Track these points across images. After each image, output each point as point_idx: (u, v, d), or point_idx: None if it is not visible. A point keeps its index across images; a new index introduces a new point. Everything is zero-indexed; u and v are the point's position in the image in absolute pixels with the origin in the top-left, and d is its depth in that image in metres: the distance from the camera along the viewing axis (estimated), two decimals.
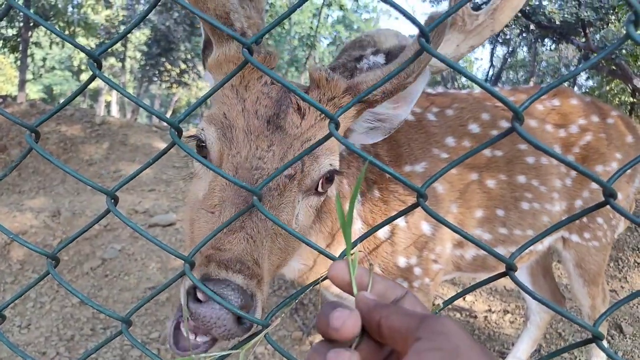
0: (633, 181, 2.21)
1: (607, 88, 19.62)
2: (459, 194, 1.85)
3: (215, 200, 1.06)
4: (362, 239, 0.84)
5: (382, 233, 1.72)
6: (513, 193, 1.94)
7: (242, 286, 0.89)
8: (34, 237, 4.41)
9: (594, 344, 2.22)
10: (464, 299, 3.64)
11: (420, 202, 0.73)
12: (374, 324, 0.55)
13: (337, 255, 0.85)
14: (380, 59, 1.39)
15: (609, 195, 0.63)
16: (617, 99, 19.17)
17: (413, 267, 1.77)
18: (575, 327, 3.34)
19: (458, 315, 3.46)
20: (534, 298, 0.70)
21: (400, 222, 1.73)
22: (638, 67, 15.26)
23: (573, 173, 2.06)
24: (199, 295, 0.86)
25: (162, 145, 6.49)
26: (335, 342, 0.56)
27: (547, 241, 2.13)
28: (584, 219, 2.10)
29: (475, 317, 3.43)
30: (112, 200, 0.90)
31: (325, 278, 0.76)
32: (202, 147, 1.15)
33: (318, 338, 3.20)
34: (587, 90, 22.93)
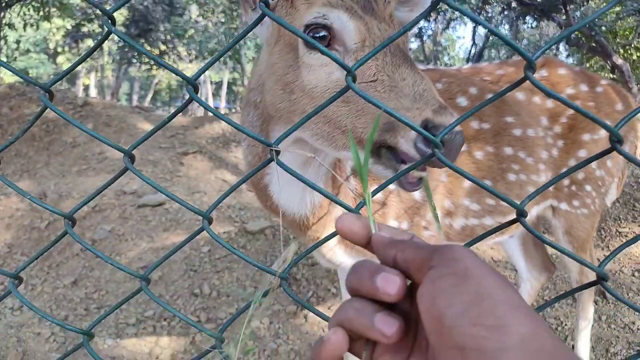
0: (623, 148, 2.26)
1: (587, 65, 19.88)
2: None
3: (372, 69, 1.07)
4: (378, 190, 0.87)
5: (375, 197, 1.75)
6: (500, 164, 1.99)
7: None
8: (22, 220, 4.36)
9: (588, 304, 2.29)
10: None
11: (435, 153, 0.75)
12: (390, 260, 0.57)
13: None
14: None
15: (616, 141, 0.66)
16: None
17: None
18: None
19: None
20: (544, 241, 0.72)
21: (392, 186, 1.75)
22: (617, 44, 15.46)
23: (560, 143, 2.11)
24: (437, 132, 0.90)
25: (147, 126, 6.40)
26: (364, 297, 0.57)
27: (535, 210, 2.19)
28: (573, 187, 2.15)
29: None
30: (129, 159, 0.91)
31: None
32: (319, 38, 1.14)
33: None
34: None
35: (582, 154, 2.12)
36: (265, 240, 3.99)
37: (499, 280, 0.49)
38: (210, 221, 0.90)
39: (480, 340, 0.44)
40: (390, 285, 0.53)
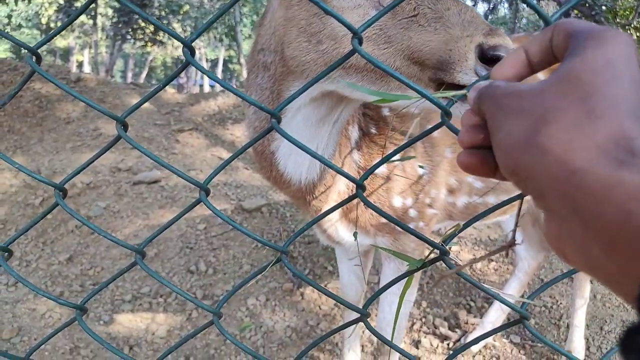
0: None
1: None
2: (453, 139, 1.85)
3: (412, 3, 1.03)
4: (389, 157, 0.84)
5: (380, 170, 1.72)
6: None
7: None
8: (15, 197, 4.31)
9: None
10: (449, 248, 3.71)
11: (444, 121, 0.72)
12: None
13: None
14: None
15: None
16: None
17: (408, 209, 1.78)
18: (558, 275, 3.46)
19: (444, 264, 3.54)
20: None
21: (397, 162, 1.73)
22: (617, 23, 15.36)
23: None
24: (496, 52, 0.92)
25: None
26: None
27: None
28: None
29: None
30: (122, 127, 0.87)
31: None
32: None
33: (309, 290, 3.25)
34: None
35: None
36: (261, 219, 3.96)
37: None
38: (207, 192, 0.86)
39: None
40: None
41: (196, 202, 0.89)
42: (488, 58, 0.94)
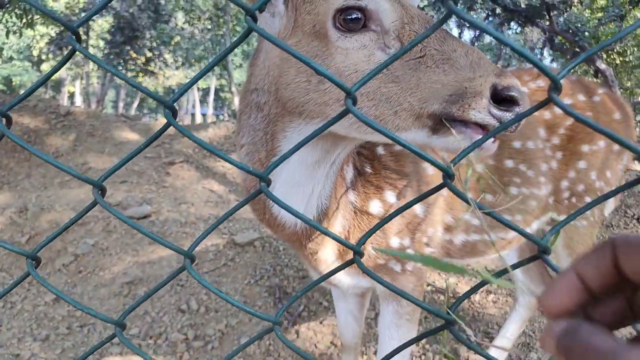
0: (622, 158, 2.22)
1: (572, 71, 20.16)
2: None
3: (418, 45, 1.03)
4: (394, 215, 0.80)
5: (376, 211, 1.68)
6: (502, 178, 1.92)
7: None
8: (1, 235, 4.20)
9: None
10: (446, 279, 3.65)
11: (447, 183, 0.68)
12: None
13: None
14: None
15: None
16: None
17: (406, 249, 1.73)
18: None
19: (442, 297, 3.47)
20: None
21: (393, 200, 1.68)
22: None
23: (558, 155, 2.06)
24: (510, 93, 0.95)
25: (132, 136, 6.27)
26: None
27: (536, 225, 2.13)
28: (573, 199, 2.10)
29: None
30: (100, 192, 0.82)
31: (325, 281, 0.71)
32: (352, 20, 1.10)
33: (304, 327, 3.16)
34: None
35: (582, 165, 2.07)
36: (254, 253, 3.88)
37: None
38: (192, 260, 0.80)
39: None
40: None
41: (180, 270, 0.83)
42: (502, 98, 0.96)
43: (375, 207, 1.66)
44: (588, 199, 2.12)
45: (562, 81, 2.01)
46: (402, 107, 1.05)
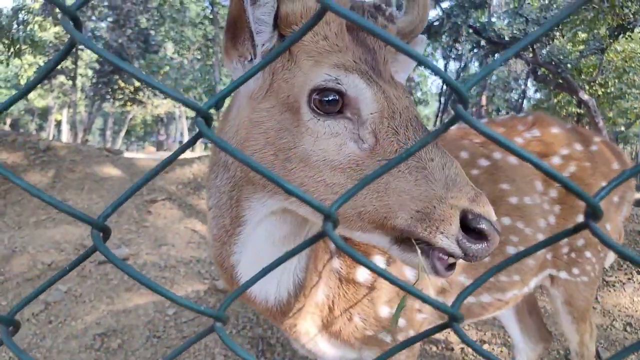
0: (621, 210, 2.12)
1: (555, 100, 20.53)
2: None
3: (394, 145, 0.96)
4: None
5: (363, 279, 1.54)
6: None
7: None
8: None
9: None
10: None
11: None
12: None
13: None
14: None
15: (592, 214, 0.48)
16: (564, 110, 20.10)
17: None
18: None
19: (434, 348, 3.30)
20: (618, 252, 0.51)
21: (383, 266, 1.54)
22: (582, 80, 16.07)
23: (556, 209, 1.95)
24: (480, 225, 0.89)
25: (114, 171, 6.09)
26: None
27: (534, 282, 2.00)
28: (572, 254, 1.98)
29: (452, 349, 3.28)
30: (101, 234, 0.65)
31: None
32: (329, 102, 1.01)
33: None
34: (535, 102, 24.03)
35: (581, 218, 1.96)
36: (236, 300, 3.69)
37: None
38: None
39: None
40: None
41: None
42: (470, 229, 0.89)
43: (363, 275, 1.53)
44: (588, 254, 2.00)
45: (555, 130, 1.90)
46: (366, 209, 0.96)
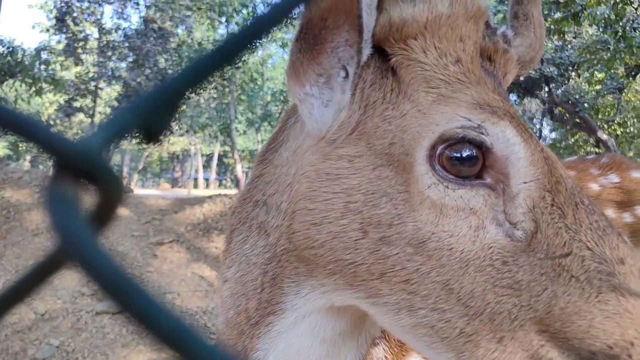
0: None
1: (572, 140, 20.29)
2: None
3: (563, 235, 0.64)
4: None
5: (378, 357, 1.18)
6: None
7: None
8: None
9: None
10: None
11: None
12: None
13: None
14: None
15: None
16: (582, 150, 19.79)
17: None
18: None
19: None
20: None
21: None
22: (599, 119, 15.81)
23: None
24: None
25: (124, 211, 5.84)
26: None
27: None
28: None
29: None
30: None
31: None
32: (464, 161, 0.67)
33: None
34: (551, 141, 23.69)
35: None
36: None
37: None
38: None
39: None
40: None
41: None
42: None
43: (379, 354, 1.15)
44: None
45: (637, 174, 1.57)
46: (514, 334, 0.61)
